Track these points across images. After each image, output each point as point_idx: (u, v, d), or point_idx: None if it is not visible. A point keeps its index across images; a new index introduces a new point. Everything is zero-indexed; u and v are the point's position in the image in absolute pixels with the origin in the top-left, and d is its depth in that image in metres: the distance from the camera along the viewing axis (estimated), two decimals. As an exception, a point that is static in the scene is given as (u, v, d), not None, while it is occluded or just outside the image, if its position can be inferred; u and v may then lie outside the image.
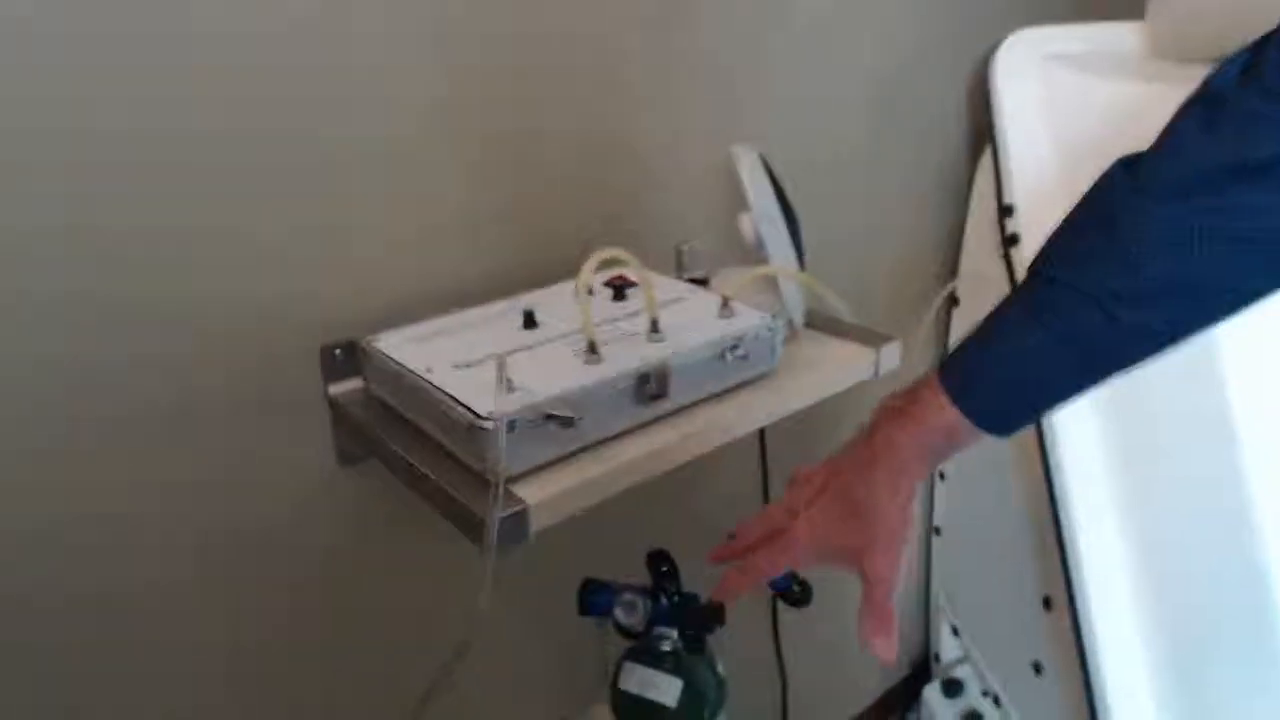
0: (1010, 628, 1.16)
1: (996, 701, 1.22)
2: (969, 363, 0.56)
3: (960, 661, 1.36)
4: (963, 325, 1.27)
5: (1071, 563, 0.90)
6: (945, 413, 0.55)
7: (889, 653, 0.58)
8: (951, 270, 1.28)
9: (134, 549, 0.65)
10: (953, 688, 1.32)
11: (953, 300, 1.27)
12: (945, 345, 1.30)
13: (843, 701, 1.46)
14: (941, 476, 1.38)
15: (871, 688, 1.50)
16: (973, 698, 1.29)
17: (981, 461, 1.26)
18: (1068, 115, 0.98)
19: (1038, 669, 1.08)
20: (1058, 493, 0.91)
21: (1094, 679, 0.89)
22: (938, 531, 1.42)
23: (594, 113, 0.82)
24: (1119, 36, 1.05)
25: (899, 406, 0.57)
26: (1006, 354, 0.54)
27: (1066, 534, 0.90)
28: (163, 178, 0.60)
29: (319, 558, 0.75)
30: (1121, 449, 0.89)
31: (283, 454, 0.70)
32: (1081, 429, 0.91)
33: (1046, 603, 1.04)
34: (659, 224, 0.89)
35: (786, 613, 1.19)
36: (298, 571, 0.74)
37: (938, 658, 1.45)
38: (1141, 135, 0.90)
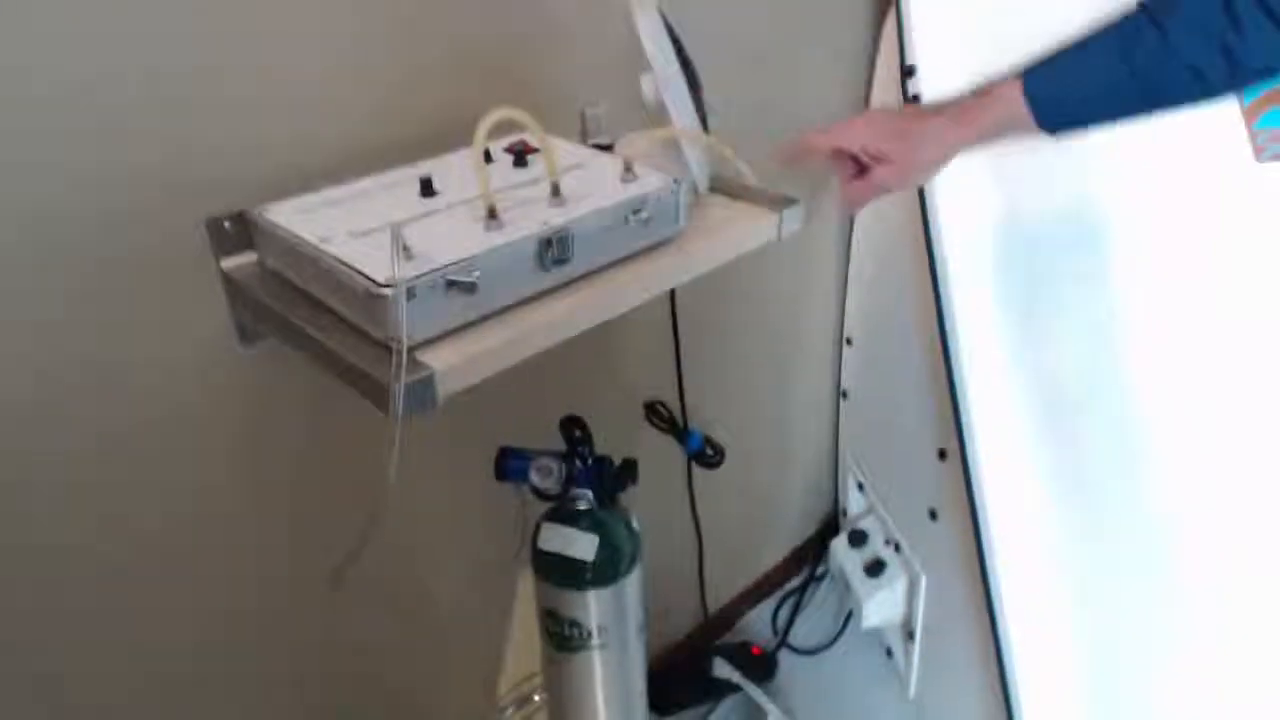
0: (910, 479, 1.24)
1: (897, 548, 1.31)
2: (1052, 71, 0.70)
3: (865, 515, 1.45)
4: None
5: (963, 415, 0.96)
6: (1016, 104, 0.71)
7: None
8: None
9: (34, 435, 0.63)
10: (858, 539, 1.40)
11: (860, 167, 1.28)
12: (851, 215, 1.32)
13: (757, 556, 1.54)
14: (849, 342, 1.43)
15: (783, 542, 1.59)
16: (876, 547, 1.37)
17: (885, 327, 1.30)
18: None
19: (934, 515, 1.16)
20: (951, 350, 0.96)
21: (981, 520, 0.96)
22: (845, 395, 1.48)
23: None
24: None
25: (981, 91, 0.74)
26: (1085, 73, 0.69)
27: (959, 388, 0.95)
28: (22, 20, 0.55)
29: (228, 435, 0.74)
30: (1011, 308, 0.94)
31: (180, 334, 0.68)
32: (976, 291, 0.95)
33: (941, 454, 1.10)
34: (563, 88, 0.87)
35: (701, 475, 1.24)
36: (207, 450, 0.73)
37: (845, 512, 1.54)
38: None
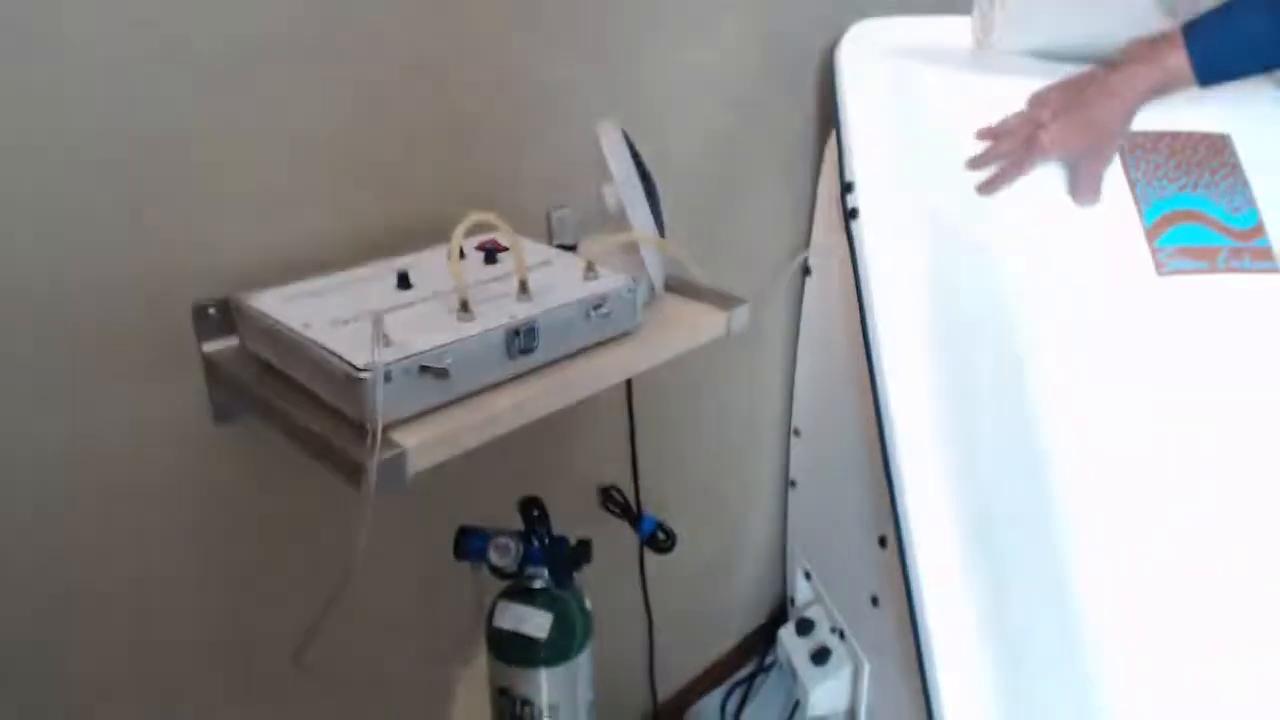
0: (852, 567, 1.28)
1: (842, 636, 1.35)
2: (1210, 26, 0.86)
3: (812, 603, 1.48)
4: (815, 292, 1.37)
5: (899, 504, 1.02)
6: (1179, 60, 0.86)
7: (1096, 199, 0.95)
8: (805, 241, 1.38)
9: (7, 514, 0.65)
10: (805, 627, 1.43)
11: (805, 269, 1.37)
12: (799, 308, 1.41)
13: (707, 644, 1.56)
14: (797, 433, 1.49)
15: (733, 630, 1.61)
16: (822, 635, 1.41)
17: (830, 419, 1.37)
18: (902, 100, 1.08)
19: (875, 601, 1.21)
20: (889, 443, 1.02)
21: (917, 607, 1.01)
22: (793, 485, 1.53)
23: (469, 83, 0.86)
24: (949, 29, 1.16)
25: (1141, 54, 0.89)
26: (1239, 29, 0.85)
27: (895, 479, 1.01)
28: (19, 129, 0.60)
29: (198, 513, 0.77)
30: (941, 404, 1.01)
31: (157, 410, 0.71)
32: (910, 385, 1.02)
33: (882, 541, 1.15)
34: (531, 192, 0.94)
35: (653, 559, 1.27)
36: (176, 527, 0.76)
37: (793, 601, 1.57)
38: (966, 119, 1.00)
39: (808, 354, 1.42)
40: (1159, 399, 0.90)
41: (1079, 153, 0.93)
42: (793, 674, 1.39)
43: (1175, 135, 1.00)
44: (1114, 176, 0.96)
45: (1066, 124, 0.92)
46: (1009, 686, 0.92)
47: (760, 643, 1.62)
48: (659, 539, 1.17)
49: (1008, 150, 0.96)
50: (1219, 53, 0.86)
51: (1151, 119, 0.96)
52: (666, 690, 1.47)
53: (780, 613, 1.66)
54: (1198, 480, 0.88)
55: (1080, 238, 0.95)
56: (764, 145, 1.26)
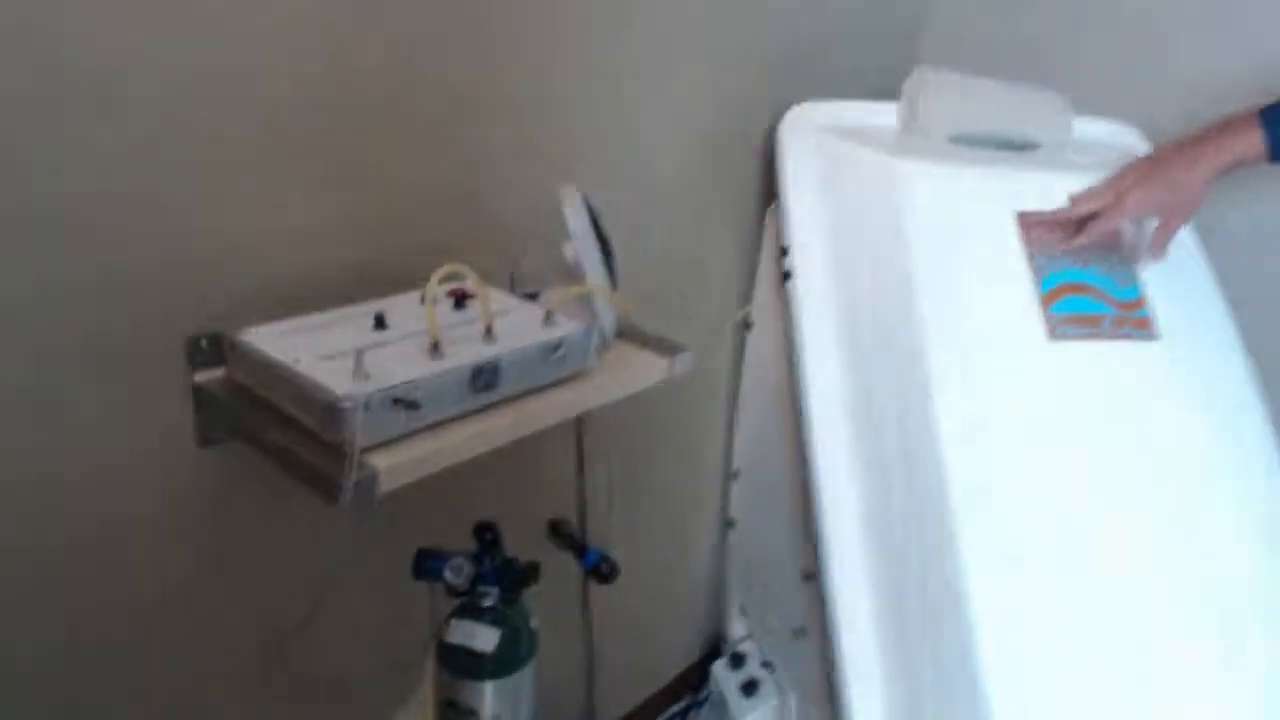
0: (781, 601, 1.37)
1: (770, 668, 1.43)
2: None
3: (745, 638, 1.57)
4: (755, 344, 1.48)
5: (820, 543, 1.11)
6: (1255, 139, 1.01)
7: (1165, 256, 1.10)
8: (748, 297, 1.49)
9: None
10: (737, 660, 1.52)
11: (748, 323, 1.48)
12: (740, 359, 1.51)
13: (645, 678, 1.63)
14: (736, 474, 1.59)
15: (672, 665, 1.68)
16: (753, 668, 1.49)
17: (766, 461, 1.47)
18: (833, 174, 1.20)
19: (800, 633, 1.30)
20: (812, 485, 1.12)
21: (832, 638, 1.10)
22: (732, 524, 1.62)
23: (444, 144, 0.95)
24: (879, 113, 1.29)
25: (1222, 131, 1.03)
26: None
27: (818, 517, 1.11)
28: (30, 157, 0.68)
29: (182, 530, 0.83)
30: (862, 448, 1.11)
31: (147, 434, 0.78)
32: (833, 434, 1.13)
33: (806, 576, 1.25)
34: (498, 245, 1.03)
35: (596, 596, 1.35)
36: (163, 543, 0.82)
37: (728, 636, 1.65)
38: (889, 196, 1.12)
39: (747, 401, 1.52)
40: (1050, 446, 1.02)
41: (1159, 211, 1.07)
42: (724, 706, 1.47)
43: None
44: (1014, 251, 1.09)
45: (1150, 187, 1.05)
46: (911, 707, 1.01)
47: (697, 677, 1.70)
48: (602, 570, 1.24)
49: (1092, 209, 1.07)
50: None
51: (1050, 202, 1.10)
52: (605, 720, 1.53)
53: (717, 647, 1.74)
54: (1080, 517, 0.99)
55: (985, 305, 1.07)
56: (714, 210, 1.37)
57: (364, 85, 0.86)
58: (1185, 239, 1.15)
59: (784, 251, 1.21)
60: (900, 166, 1.14)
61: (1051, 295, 1.08)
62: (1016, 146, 1.24)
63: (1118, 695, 0.93)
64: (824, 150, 1.23)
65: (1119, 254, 1.12)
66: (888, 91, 1.32)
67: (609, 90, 1.13)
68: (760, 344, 1.45)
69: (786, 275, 1.20)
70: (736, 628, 1.61)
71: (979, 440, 1.01)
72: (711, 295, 1.44)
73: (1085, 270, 1.10)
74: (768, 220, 1.38)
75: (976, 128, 1.23)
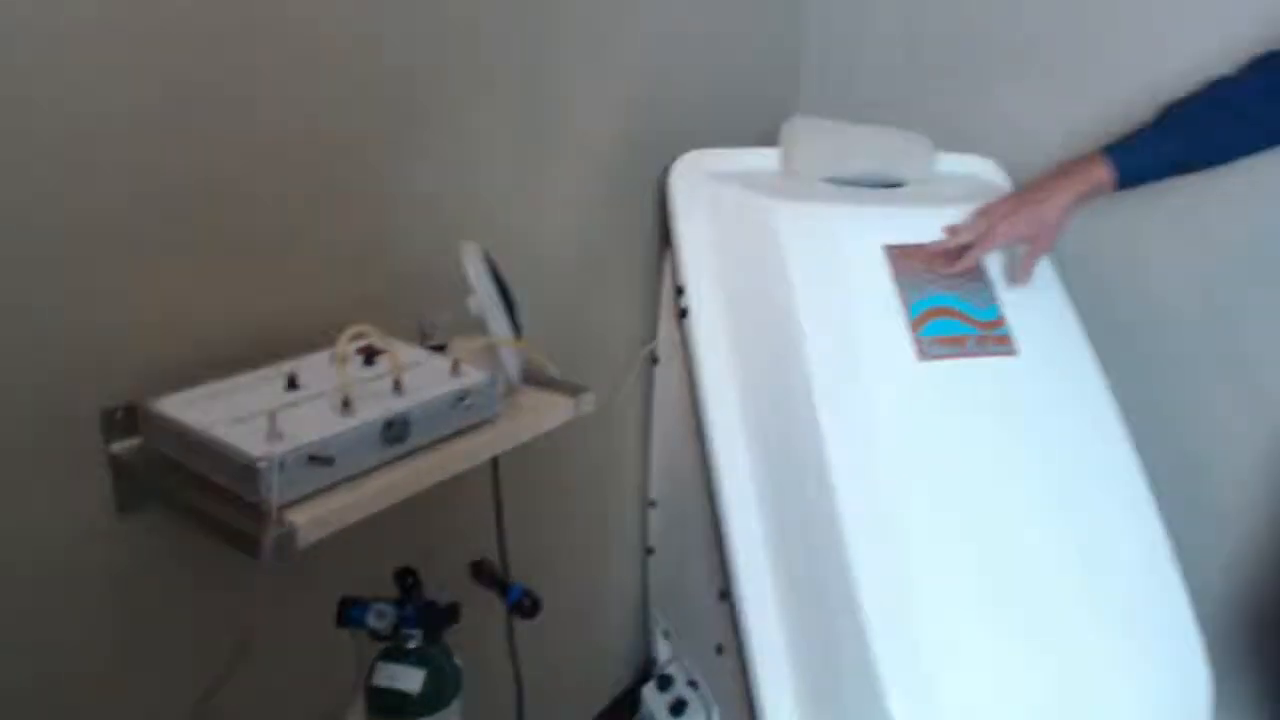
0: (701, 620, 1.44)
1: (695, 686, 1.49)
2: (1128, 149, 1.19)
3: (671, 660, 1.63)
4: (662, 378, 1.55)
5: (730, 563, 1.19)
6: (1103, 172, 1.18)
7: (1029, 281, 1.24)
8: (653, 334, 1.57)
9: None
10: (665, 682, 1.57)
11: (654, 358, 1.55)
12: (650, 393, 1.58)
13: (579, 705, 1.67)
14: (653, 504, 1.65)
15: (605, 690, 1.72)
16: (680, 688, 1.54)
17: (679, 490, 1.54)
18: (720, 216, 1.29)
19: (719, 650, 1.36)
20: (719, 508, 1.20)
21: (746, 656, 1.17)
22: (651, 551, 1.69)
23: (353, 210, 1.00)
24: (761, 159, 1.39)
25: (1076, 168, 1.19)
26: (1150, 149, 1.18)
27: (725, 538, 1.19)
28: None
29: (105, 598, 0.85)
30: (761, 471, 1.19)
31: (64, 506, 0.80)
32: (734, 460, 1.21)
33: (721, 595, 1.32)
34: (407, 301, 1.08)
35: (523, 633, 1.38)
36: (85, 612, 0.84)
37: (655, 660, 1.71)
38: (770, 234, 1.21)
39: (659, 433, 1.60)
40: (925, 453, 1.12)
41: (1025, 240, 1.21)
42: (655, 727, 1.52)
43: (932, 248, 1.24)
44: (885, 281, 1.19)
45: (1016, 219, 1.20)
46: (817, 704, 1.08)
47: (628, 703, 1.74)
48: (525, 605, 1.29)
49: (966, 240, 1.21)
50: (1132, 169, 1.19)
51: (915, 235, 1.21)
52: (540, 753, 1.56)
53: (647, 672, 1.79)
54: (956, 515, 1.09)
55: (861, 332, 1.17)
56: (617, 252, 1.45)
57: (263, 155, 0.91)
58: (1041, 262, 1.27)
59: (680, 290, 1.29)
60: (778, 207, 1.23)
61: (920, 320, 1.18)
62: (885, 184, 1.36)
63: (1007, 664, 1.02)
64: (711, 194, 1.32)
65: (981, 280, 1.23)
66: (771, 138, 1.42)
67: (509, 146, 1.19)
68: (667, 378, 1.52)
69: (683, 313, 1.28)
70: (663, 651, 1.67)
71: (862, 454, 1.10)
72: (618, 334, 1.51)
73: (949, 295, 1.21)
74: (666, 260, 1.46)
75: (847, 169, 1.34)
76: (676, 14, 1.42)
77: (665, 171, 1.37)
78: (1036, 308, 1.24)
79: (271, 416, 0.75)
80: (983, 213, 1.22)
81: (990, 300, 1.23)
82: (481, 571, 1.30)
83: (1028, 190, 1.23)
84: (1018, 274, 1.22)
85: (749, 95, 1.63)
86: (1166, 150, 1.19)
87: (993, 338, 1.20)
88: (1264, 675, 1.52)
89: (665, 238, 1.47)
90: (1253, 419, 1.43)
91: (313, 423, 0.78)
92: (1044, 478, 1.14)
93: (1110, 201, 1.24)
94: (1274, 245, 1.35)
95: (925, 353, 1.16)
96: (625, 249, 1.47)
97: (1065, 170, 1.21)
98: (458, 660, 0.97)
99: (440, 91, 1.08)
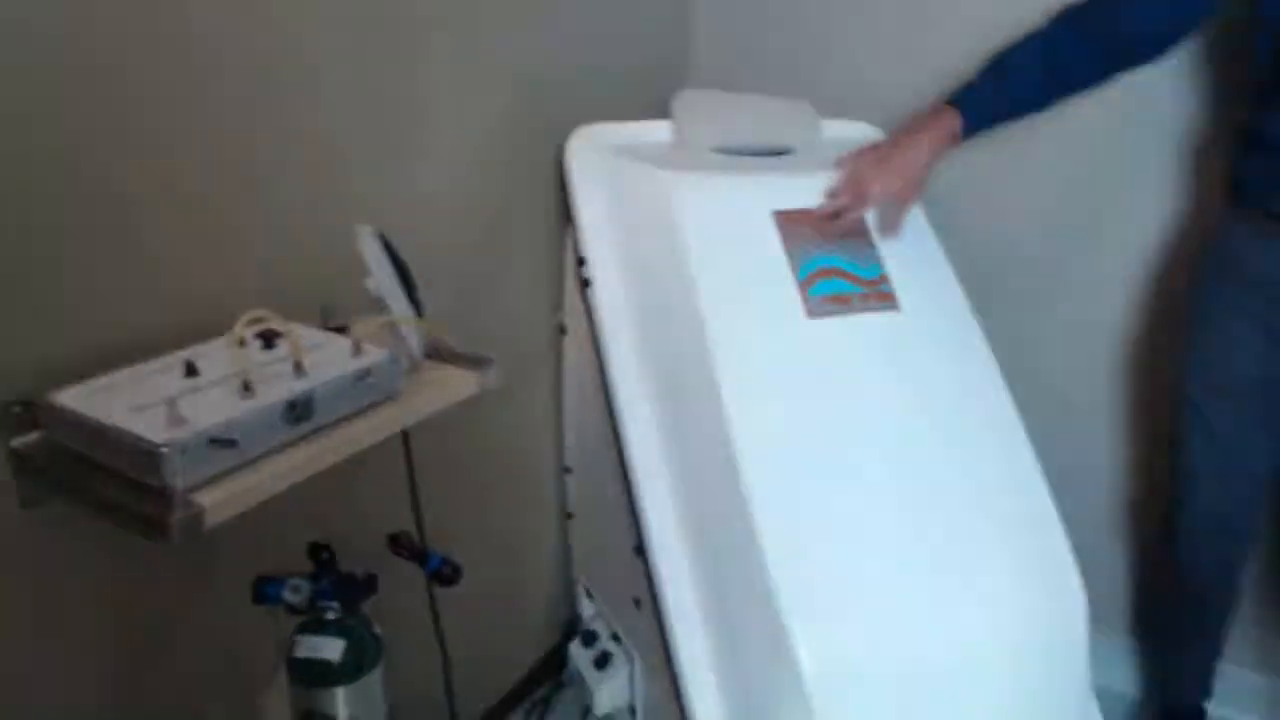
0: (619, 577, 1.49)
1: (618, 639, 1.56)
2: (976, 94, 1.28)
3: (595, 617, 1.69)
4: (571, 347, 1.59)
5: (640, 519, 1.25)
6: (956, 121, 1.25)
7: (899, 233, 1.31)
8: (560, 305, 1.60)
9: None
10: (589, 638, 1.63)
11: (562, 328, 1.59)
12: (560, 362, 1.62)
13: (504, 669, 1.72)
14: (569, 470, 1.70)
15: (529, 653, 1.78)
16: (604, 643, 1.61)
17: (593, 456, 1.59)
18: (616, 187, 1.33)
19: (638, 603, 1.43)
20: (629, 469, 1.25)
21: (660, 604, 1.24)
22: (571, 516, 1.74)
23: (255, 196, 1.01)
24: (655, 131, 1.43)
25: (929, 118, 1.27)
26: (989, 97, 1.28)
27: (636, 500, 1.24)
28: None
29: (12, 594, 0.86)
30: (666, 430, 1.25)
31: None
32: (641, 422, 1.26)
33: (637, 550, 1.38)
34: (308, 287, 1.09)
35: (446, 598, 1.42)
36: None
37: (580, 618, 1.77)
38: (664, 204, 1.26)
39: (570, 401, 1.64)
40: (816, 401, 1.19)
41: (894, 197, 1.27)
42: (582, 682, 1.58)
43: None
44: (775, 245, 1.25)
45: (887, 177, 1.26)
46: (727, 657, 1.16)
47: (556, 662, 1.80)
48: (445, 573, 1.33)
49: (842, 203, 1.27)
50: (974, 117, 1.27)
51: (802, 200, 1.27)
52: (470, 716, 1.61)
53: (573, 630, 1.85)
54: (847, 457, 1.16)
55: (753, 294, 1.23)
56: (521, 226, 1.48)
57: (148, 148, 0.91)
58: (916, 216, 1.35)
59: (581, 261, 1.33)
60: (670, 177, 1.28)
61: (808, 280, 1.25)
62: (773, 152, 1.41)
63: (899, 588, 1.11)
64: (606, 167, 1.36)
65: (865, 239, 1.30)
66: (667, 111, 1.46)
67: (403, 125, 1.21)
68: (575, 346, 1.57)
69: (586, 283, 1.32)
70: (586, 609, 1.73)
71: (757, 409, 1.17)
72: (527, 306, 1.55)
73: (835, 256, 1.28)
74: (568, 233, 1.50)
75: (735, 139, 1.39)
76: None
77: (561, 147, 1.40)
78: (915, 261, 1.32)
79: (172, 403, 0.77)
80: (850, 176, 1.28)
81: (874, 259, 1.30)
82: (399, 544, 1.34)
83: (889, 146, 1.29)
84: (887, 227, 1.29)
85: (645, 70, 1.67)
86: (1001, 99, 1.28)
87: (875, 294, 1.27)
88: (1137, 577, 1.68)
89: (567, 211, 1.50)
90: (1091, 347, 1.62)
91: (214, 407, 0.80)
92: (928, 419, 1.23)
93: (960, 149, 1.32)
94: (1093, 178, 1.53)
95: (814, 311, 1.23)
96: (529, 223, 1.50)
97: (921, 123, 1.27)
98: (377, 630, 1.01)
99: (332, 75, 1.09)
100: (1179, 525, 1.44)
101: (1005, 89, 1.28)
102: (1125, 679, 1.72)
